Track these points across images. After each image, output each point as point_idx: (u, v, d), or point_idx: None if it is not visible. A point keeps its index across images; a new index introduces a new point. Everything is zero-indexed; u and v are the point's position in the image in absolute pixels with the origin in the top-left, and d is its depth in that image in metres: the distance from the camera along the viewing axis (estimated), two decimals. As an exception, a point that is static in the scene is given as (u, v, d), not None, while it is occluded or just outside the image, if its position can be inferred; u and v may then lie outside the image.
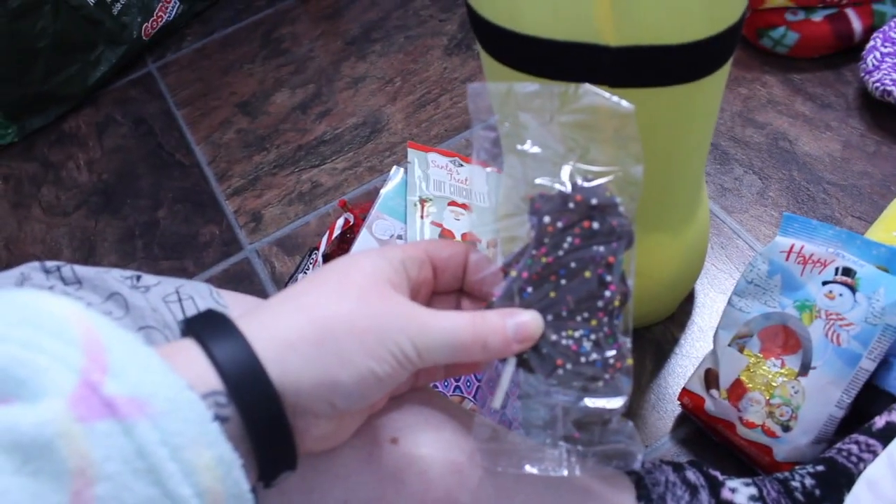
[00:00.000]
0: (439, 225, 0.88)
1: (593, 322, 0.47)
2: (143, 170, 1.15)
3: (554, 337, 0.46)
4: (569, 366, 0.46)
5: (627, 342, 0.47)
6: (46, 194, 1.16)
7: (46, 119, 1.24)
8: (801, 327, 0.71)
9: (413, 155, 0.94)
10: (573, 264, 0.47)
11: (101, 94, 1.27)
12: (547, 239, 0.47)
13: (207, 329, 0.39)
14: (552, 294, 0.47)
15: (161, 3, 1.28)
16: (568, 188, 0.46)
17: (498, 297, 0.47)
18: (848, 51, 1.01)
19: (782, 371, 0.71)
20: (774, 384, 0.71)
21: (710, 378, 0.75)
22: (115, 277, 0.52)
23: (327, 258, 0.89)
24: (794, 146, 0.95)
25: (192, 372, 0.37)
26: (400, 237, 0.86)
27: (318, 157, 1.08)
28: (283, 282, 0.95)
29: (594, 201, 0.46)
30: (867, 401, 0.70)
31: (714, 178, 0.94)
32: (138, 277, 0.53)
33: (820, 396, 0.69)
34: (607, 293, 0.46)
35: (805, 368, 0.70)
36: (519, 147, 0.47)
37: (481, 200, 0.94)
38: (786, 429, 0.69)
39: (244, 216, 1.04)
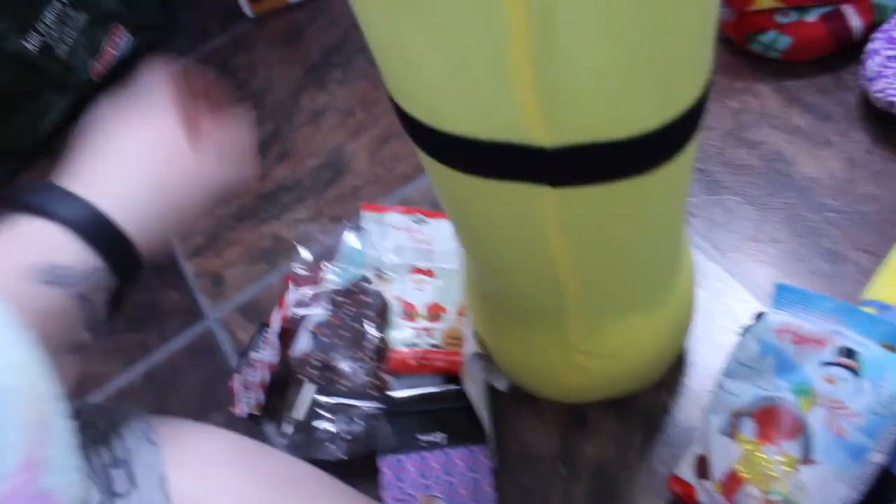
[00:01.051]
0: (399, 299, 0.81)
1: (363, 356, 0.78)
2: (101, 228, 1.08)
3: (339, 366, 0.78)
4: (348, 384, 0.77)
5: (384, 371, 0.79)
6: (5, 259, 1.10)
7: (4, 175, 1.17)
8: (800, 413, 0.63)
9: (368, 219, 0.87)
10: (352, 322, 0.80)
11: (56, 142, 1.20)
12: (337, 309, 0.81)
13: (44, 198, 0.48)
14: (339, 341, 0.79)
15: (109, 39, 1.20)
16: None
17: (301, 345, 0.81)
18: (847, 51, 0.90)
19: (780, 458, 0.64)
20: (773, 475, 0.63)
21: (702, 466, 0.67)
22: None
23: (283, 333, 0.83)
24: (791, 168, 0.86)
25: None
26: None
27: (278, 206, 1.00)
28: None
29: (364, 286, 0.82)
30: (882, 488, 0.63)
31: (703, 210, 0.85)
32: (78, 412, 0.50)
33: (824, 493, 0.61)
34: (371, 338, 0.79)
35: (806, 456, 0.63)
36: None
37: (446, 261, 0.87)
38: (787, 530, 0.62)
39: (205, 279, 0.97)
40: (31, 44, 1.11)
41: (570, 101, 0.42)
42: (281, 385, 0.84)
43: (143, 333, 0.96)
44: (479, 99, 0.43)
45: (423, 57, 0.43)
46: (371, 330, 0.80)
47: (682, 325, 0.70)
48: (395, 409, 0.77)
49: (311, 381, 0.77)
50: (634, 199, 0.49)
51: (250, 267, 0.96)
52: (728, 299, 0.80)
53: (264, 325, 0.85)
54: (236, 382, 0.86)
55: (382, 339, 0.79)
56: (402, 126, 0.53)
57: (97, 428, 0.52)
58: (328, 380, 0.77)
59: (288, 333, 0.84)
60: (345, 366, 0.78)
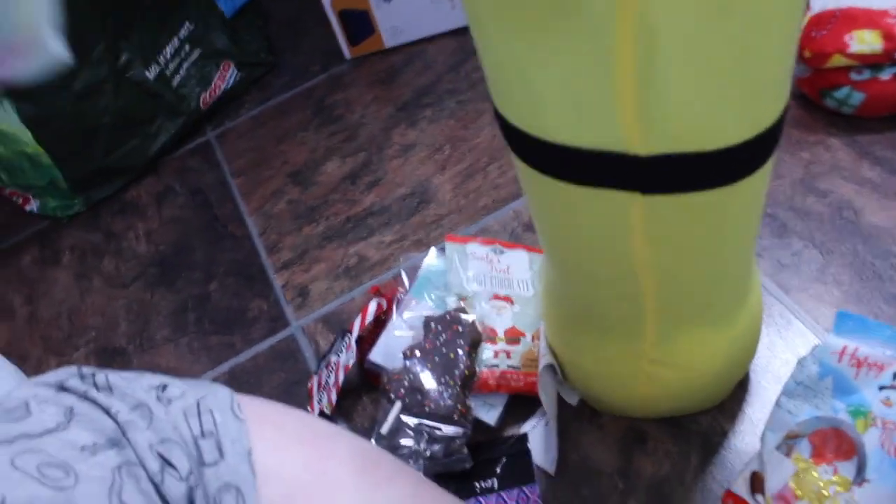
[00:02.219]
0: (480, 324, 0.86)
1: (451, 382, 0.81)
2: (198, 241, 1.16)
3: (426, 388, 0.81)
4: (433, 406, 0.80)
5: (468, 397, 0.82)
6: (107, 265, 1.18)
7: (110, 189, 1.27)
8: (856, 433, 0.66)
9: (451, 249, 0.92)
10: (444, 349, 0.83)
11: (162, 163, 1.30)
12: (431, 335, 0.85)
13: None
14: (429, 365, 0.82)
15: (219, 73, 1.30)
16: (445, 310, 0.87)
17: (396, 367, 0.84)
18: (920, 110, 0.94)
19: (834, 479, 0.66)
20: (826, 494, 0.65)
21: (756, 482, 0.70)
22: (143, 387, 0.54)
23: (361, 341, 0.88)
24: (859, 217, 0.89)
25: None
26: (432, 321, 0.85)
27: (365, 229, 1.07)
28: (324, 362, 0.94)
29: (460, 316, 0.86)
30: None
31: (771, 252, 0.88)
32: (164, 387, 0.55)
33: (876, 512, 0.63)
34: (461, 366, 0.82)
35: (861, 477, 0.65)
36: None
37: (524, 289, 0.92)
38: (837, 546, 0.64)
39: (291, 291, 1.04)
40: (151, 73, 1.22)
41: (665, 116, 0.47)
42: (354, 389, 0.90)
43: (231, 336, 1.02)
44: (584, 111, 0.49)
45: (536, 74, 0.49)
46: (462, 357, 0.83)
47: (749, 347, 0.73)
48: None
49: (399, 399, 0.81)
50: (715, 210, 0.54)
51: (335, 282, 1.03)
52: (790, 335, 0.82)
53: (346, 331, 0.91)
54: (313, 383, 0.92)
55: (471, 368, 0.83)
56: (504, 137, 0.58)
57: (187, 400, 0.55)
58: (415, 400, 0.80)
59: (366, 340, 0.89)
60: (433, 389, 0.81)
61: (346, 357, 0.89)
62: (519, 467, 0.81)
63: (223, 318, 1.05)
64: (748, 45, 0.44)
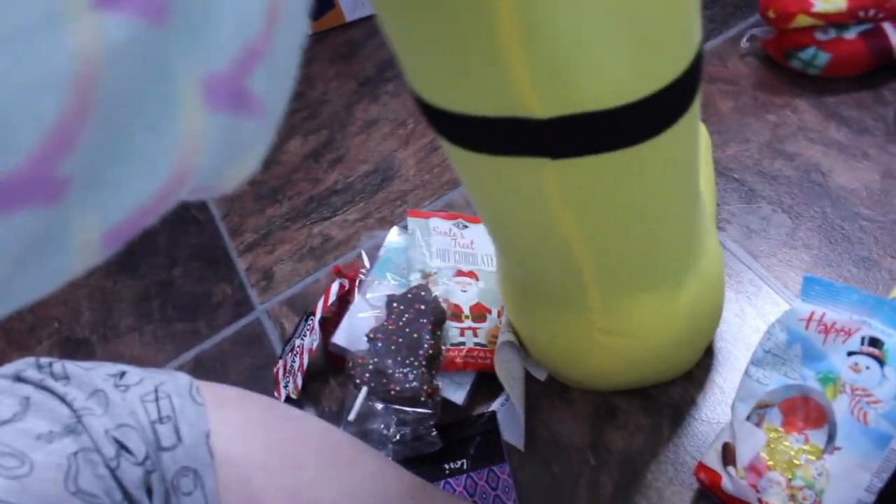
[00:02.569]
0: (445, 301, 0.84)
1: (416, 363, 0.78)
2: (160, 225, 1.13)
3: (391, 371, 0.78)
4: (398, 388, 0.77)
5: (435, 377, 0.79)
6: (69, 253, 1.16)
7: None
8: (826, 401, 0.65)
9: (414, 224, 0.90)
10: (407, 329, 0.80)
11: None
12: (393, 315, 0.82)
13: None
14: (393, 347, 0.79)
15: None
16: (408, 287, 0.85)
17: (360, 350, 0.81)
18: (887, 68, 0.92)
19: (806, 448, 0.65)
20: (797, 462, 0.65)
21: (728, 453, 0.69)
22: (101, 375, 0.54)
23: (325, 323, 0.86)
24: (827, 179, 0.87)
25: None
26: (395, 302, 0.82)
27: (329, 208, 1.05)
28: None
29: (422, 294, 0.83)
30: (903, 479, 0.64)
31: (739, 218, 0.87)
32: (122, 374, 0.55)
33: (847, 480, 0.63)
34: (425, 346, 0.79)
35: (832, 445, 0.64)
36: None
37: (488, 264, 0.90)
38: (808, 515, 0.63)
39: (256, 274, 1.02)
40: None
41: (557, 74, 0.45)
42: (320, 372, 0.88)
43: (195, 322, 1.00)
44: (477, 78, 0.47)
45: (425, 46, 0.48)
46: (426, 337, 0.80)
47: (707, 315, 0.72)
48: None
49: (364, 384, 0.78)
50: (631, 171, 0.52)
51: (299, 264, 1.01)
52: (759, 302, 0.81)
53: (309, 313, 0.89)
54: (279, 368, 0.90)
55: (435, 346, 0.80)
56: (420, 112, 0.57)
57: (145, 386, 0.55)
58: (380, 384, 0.78)
59: (330, 322, 0.87)
60: (397, 372, 0.78)
61: (309, 340, 0.87)
62: (489, 447, 0.79)
63: (187, 303, 1.03)
64: None
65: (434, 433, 0.77)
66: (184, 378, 0.57)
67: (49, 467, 0.47)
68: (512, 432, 0.79)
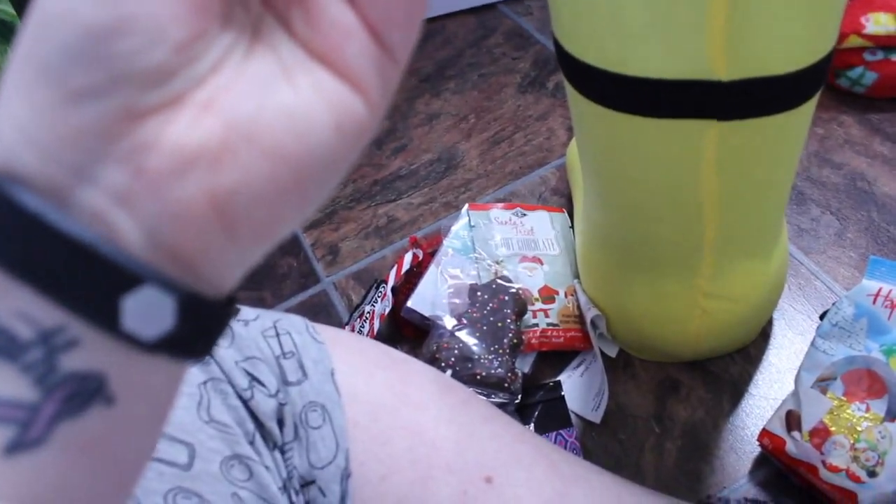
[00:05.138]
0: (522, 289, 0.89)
1: (500, 350, 0.83)
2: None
3: (476, 357, 0.82)
4: (484, 374, 0.81)
5: (517, 365, 0.83)
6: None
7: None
8: (888, 372, 0.70)
9: (476, 217, 0.95)
10: (491, 318, 0.85)
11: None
12: (477, 304, 0.86)
13: None
14: (478, 334, 0.84)
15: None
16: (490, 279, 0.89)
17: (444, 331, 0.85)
18: (928, 91, 1.00)
19: (867, 416, 0.70)
20: (859, 428, 0.70)
21: (792, 420, 0.74)
22: None
23: (396, 292, 0.91)
24: (872, 187, 0.94)
25: None
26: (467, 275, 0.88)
27: (393, 191, 1.10)
28: (360, 314, 0.97)
29: (504, 284, 0.87)
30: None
31: (791, 218, 0.94)
32: (238, 310, 0.56)
33: (908, 443, 0.68)
34: (509, 335, 0.84)
35: (892, 414, 0.70)
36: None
37: (550, 248, 0.95)
38: (871, 474, 0.68)
39: (321, 249, 1.06)
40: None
41: (750, 41, 0.51)
42: (386, 340, 0.92)
43: (261, 291, 1.05)
44: (674, 42, 0.53)
45: (629, 8, 0.53)
46: (510, 326, 0.84)
47: (781, 283, 0.78)
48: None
49: (449, 367, 0.81)
50: (779, 135, 0.59)
51: (365, 241, 1.05)
52: (810, 292, 0.87)
53: (381, 281, 0.94)
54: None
55: (518, 336, 0.84)
56: (573, 83, 0.62)
57: (263, 322, 0.56)
58: (465, 369, 0.81)
59: (401, 292, 0.92)
60: (483, 358, 0.82)
61: (381, 306, 0.91)
62: (555, 412, 0.84)
63: (252, 273, 1.07)
64: None
65: (517, 418, 0.81)
66: (296, 317, 0.58)
67: (180, 395, 0.47)
68: (582, 403, 0.84)
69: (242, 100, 0.22)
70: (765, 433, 0.75)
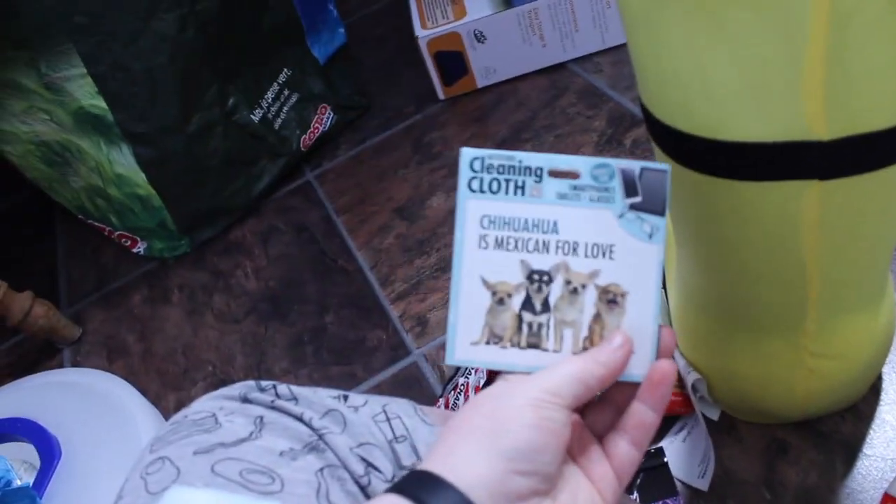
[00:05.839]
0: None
1: None
2: (308, 276, 1.20)
3: None
4: None
5: None
6: (218, 302, 1.22)
7: (215, 230, 1.31)
8: None
9: None
10: None
11: (264, 204, 1.35)
12: None
13: (418, 487, 0.43)
14: None
15: (317, 116, 1.35)
16: None
17: None
18: None
19: None
20: None
21: (915, 484, 0.71)
22: (328, 396, 0.55)
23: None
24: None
25: None
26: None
27: (477, 258, 1.10)
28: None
29: None
30: None
31: (893, 266, 0.91)
32: (345, 397, 0.56)
33: None
34: None
35: None
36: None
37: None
38: None
39: (409, 321, 1.07)
40: (256, 117, 1.27)
41: (850, 98, 0.50)
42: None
43: (351, 366, 1.05)
44: (768, 103, 0.52)
45: (718, 72, 0.52)
46: None
47: (891, 335, 0.75)
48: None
49: None
50: (884, 189, 0.57)
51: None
52: (921, 344, 0.84)
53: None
54: (440, 406, 0.94)
55: None
56: (664, 149, 0.61)
57: (373, 407, 0.56)
58: None
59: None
60: None
61: (475, 378, 0.91)
62: (659, 480, 0.82)
63: (342, 348, 1.08)
64: None
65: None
66: (404, 401, 0.58)
67: (299, 483, 0.48)
68: (687, 470, 0.82)
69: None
70: (887, 498, 0.72)
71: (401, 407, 0.57)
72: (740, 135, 0.54)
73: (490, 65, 1.33)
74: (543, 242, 0.49)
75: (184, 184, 1.24)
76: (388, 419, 0.55)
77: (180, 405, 1.10)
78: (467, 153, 0.49)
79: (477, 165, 0.50)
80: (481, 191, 0.49)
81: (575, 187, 0.49)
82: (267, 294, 1.20)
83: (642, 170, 0.48)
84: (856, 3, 0.46)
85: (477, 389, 0.90)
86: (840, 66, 0.49)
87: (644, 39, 0.55)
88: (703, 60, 0.52)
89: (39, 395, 1.05)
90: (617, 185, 0.48)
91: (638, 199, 0.48)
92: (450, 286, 0.49)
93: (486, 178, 0.49)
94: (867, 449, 0.79)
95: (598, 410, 0.50)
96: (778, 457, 0.81)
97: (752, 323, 0.70)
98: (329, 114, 1.37)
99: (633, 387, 0.49)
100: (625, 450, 0.48)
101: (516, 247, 0.50)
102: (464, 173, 0.50)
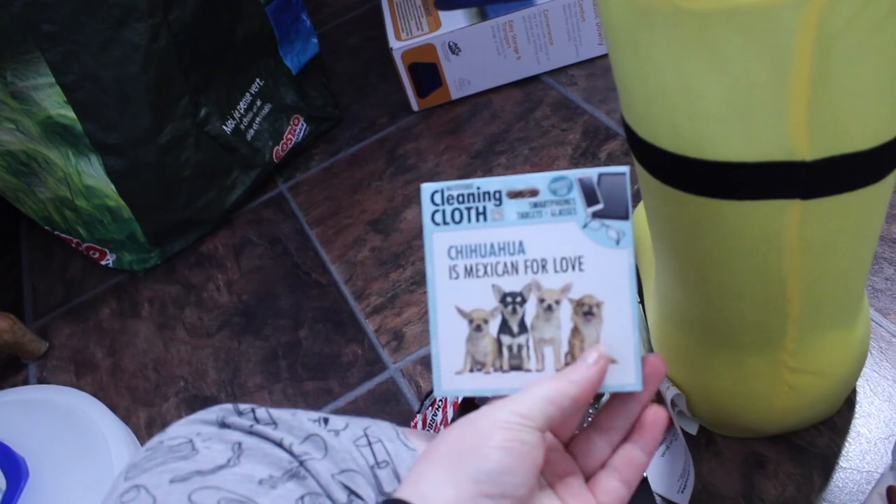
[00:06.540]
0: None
1: None
2: (282, 289, 1.18)
3: None
4: None
5: None
6: (189, 315, 1.20)
7: (185, 243, 1.30)
8: None
9: None
10: None
11: (236, 216, 1.33)
12: None
13: None
14: None
15: (290, 127, 1.34)
16: None
17: None
18: None
19: (973, 490, 0.68)
20: (966, 505, 0.67)
21: (893, 495, 0.72)
22: (308, 419, 0.54)
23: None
24: (945, 244, 0.93)
25: None
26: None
27: (453, 271, 1.10)
28: (430, 401, 0.96)
29: None
30: None
31: (864, 280, 0.92)
32: (326, 420, 0.55)
33: None
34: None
35: None
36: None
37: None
38: None
39: (385, 335, 1.06)
40: (228, 127, 1.26)
41: (833, 119, 0.51)
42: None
43: (326, 381, 1.04)
44: (753, 124, 0.52)
45: (705, 92, 0.52)
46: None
47: (865, 350, 0.76)
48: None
49: None
50: (863, 208, 0.58)
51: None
52: (892, 355, 0.85)
53: (454, 368, 0.93)
54: (418, 422, 0.93)
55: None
56: (646, 166, 0.61)
57: (354, 431, 0.55)
58: None
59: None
60: None
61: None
62: (639, 495, 0.82)
63: (317, 363, 1.07)
64: None
65: None
66: (385, 423, 0.57)
67: None
68: (666, 485, 0.82)
69: None
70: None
71: (382, 430, 0.57)
72: (726, 155, 0.55)
73: (464, 77, 1.32)
74: (512, 264, 0.49)
75: (154, 195, 1.22)
76: (369, 443, 0.55)
77: (151, 421, 1.08)
78: (427, 188, 0.50)
79: (437, 198, 0.50)
80: (444, 223, 0.50)
81: (535, 205, 0.49)
82: (240, 308, 1.19)
83: (600, 176, 0.48)
84: (843, 25, 0.46)
85: (455, 406, 0.89)
86: (824, 87, 0.49)
87: (630, 59, 0.55)
88: (689, 81, 0.52)
89: (5, 414, 1.03)
90: (577, 195, 0.48)
91: (600, 207, 0.48)
92: (428, 313, 0.50)
93: (448, 209, 0.50)
94: (843, 461, 0.80)
95: (587, 441, 0.51)
96: (756, 470, 0.81)
97: (733, 340, 0.71)
98: (302, 125, 1.36)
99: (624, 411, 0.50)
100: (614, 486, 0.50)
101: (486, 272, 0.50)
102: (426, 208, 0.50)
